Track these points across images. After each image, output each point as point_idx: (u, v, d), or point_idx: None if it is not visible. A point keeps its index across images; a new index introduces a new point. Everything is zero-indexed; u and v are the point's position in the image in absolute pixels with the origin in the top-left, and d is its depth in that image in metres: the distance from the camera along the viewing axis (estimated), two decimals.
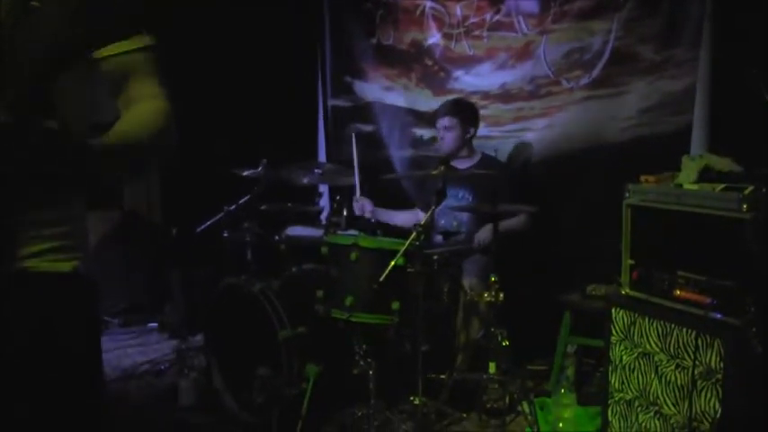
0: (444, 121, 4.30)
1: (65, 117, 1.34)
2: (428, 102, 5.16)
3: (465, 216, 4.26)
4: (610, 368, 2.90)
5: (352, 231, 3.67)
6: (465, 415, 3.47)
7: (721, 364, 2.42)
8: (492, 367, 3.40)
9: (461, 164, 4.31)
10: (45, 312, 1.34)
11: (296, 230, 4.09)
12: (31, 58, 1.11)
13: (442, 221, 4.31)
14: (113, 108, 1.46)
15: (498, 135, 4.72)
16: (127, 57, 1.42)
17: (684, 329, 2.57)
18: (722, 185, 2.58)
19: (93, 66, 1.40)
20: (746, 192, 2.43)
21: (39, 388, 1.33)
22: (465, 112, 4.36)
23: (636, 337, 2.77)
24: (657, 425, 2.69)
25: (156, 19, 1.40)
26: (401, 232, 3.95)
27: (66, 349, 1.37)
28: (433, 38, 5.12)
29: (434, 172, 3.49)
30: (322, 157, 5.95)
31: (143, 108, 1.45)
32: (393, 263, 3.09)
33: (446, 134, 4.29)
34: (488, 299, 3.35)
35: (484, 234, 3.99)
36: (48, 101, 1.17)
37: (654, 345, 2.69)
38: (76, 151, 1.24)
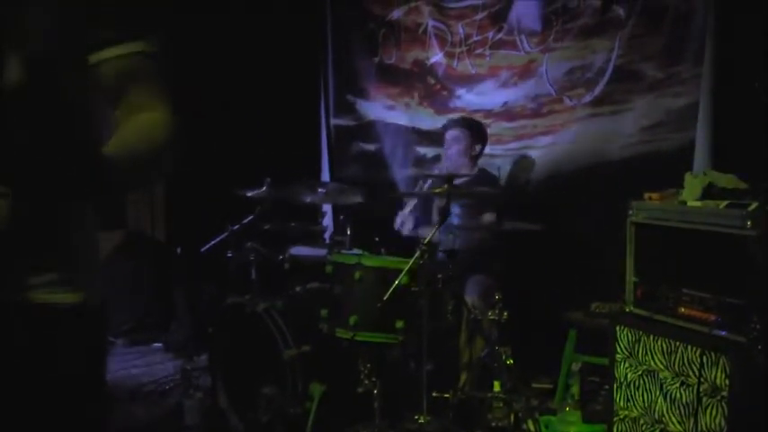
0: (453, 132, 4.32)
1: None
2: (431, 120, 5.18)
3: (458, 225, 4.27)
4: (615, 386, 2.89)
5: (355, 250, 3.67)
6: None
7: (726, 382, 2.41)
8: (497, 385, 3.39)
9: (459, 180, 4.31)
10: (46, 344, 1.28)
11: (300, 250, 4.09)
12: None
13: (441, 236, 4.29)
14: (112, 121, 1.37)
15: (501, 153, 4.73)
16: (124, 61, 1.33)
17: (689, 347, 2.56)
18: (726, 202, 2.58)
19: (89, 73, 1.32)
20: (751, 208, 2.44)
21: (38, 421, 1.28)
22: (474, 127, 4.39)
23: (640, 355, 2.77)
24: None
25: (159, 31, 1.37)
26: (405, 251, 3.94)
27: (67, 382, 1.32)
28: (436, 57, 5.14)
29: (438, 190, 3.50)
30: (325, 176, 5.96)
31: (141, 120, 1.35)
32: (397, 282, 3.10)
33: (453, 145, 4.30)
34: (492, 317, 3.35)
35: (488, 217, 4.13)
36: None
37: (659, 362, 2.68)
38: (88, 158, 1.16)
